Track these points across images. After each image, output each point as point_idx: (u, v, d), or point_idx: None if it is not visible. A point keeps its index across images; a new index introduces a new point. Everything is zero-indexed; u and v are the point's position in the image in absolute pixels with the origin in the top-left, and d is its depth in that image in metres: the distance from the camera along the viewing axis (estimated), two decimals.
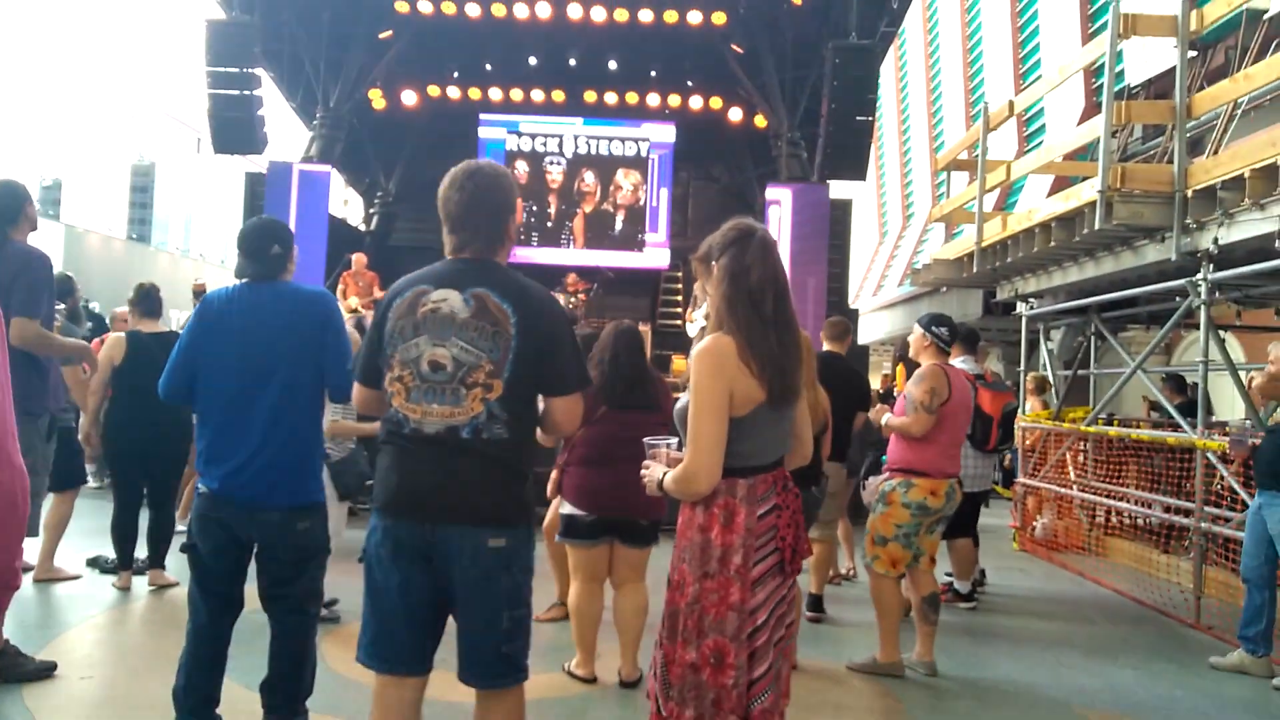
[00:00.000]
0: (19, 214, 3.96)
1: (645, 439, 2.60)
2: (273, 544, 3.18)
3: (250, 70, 11.72)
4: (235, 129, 11.91)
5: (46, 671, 3.86)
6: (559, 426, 2.62)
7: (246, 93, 11.76)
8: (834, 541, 5.87)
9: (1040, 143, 12.41)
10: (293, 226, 11.81)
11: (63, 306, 5.45)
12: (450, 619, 2.53)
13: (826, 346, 5.90)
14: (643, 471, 2.53)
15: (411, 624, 2.47)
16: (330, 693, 3.89)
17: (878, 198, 21.38)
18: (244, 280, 3.29)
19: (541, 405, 2.61)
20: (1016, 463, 9.00)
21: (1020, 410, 8.60)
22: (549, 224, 14.01)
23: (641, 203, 13.97)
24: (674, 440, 2.59)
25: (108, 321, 10.61)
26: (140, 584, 5.52)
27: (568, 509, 4.27)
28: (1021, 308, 9.31)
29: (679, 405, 2.48)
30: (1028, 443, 8.82)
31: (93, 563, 5.78)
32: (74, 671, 3.97)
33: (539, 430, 2.66)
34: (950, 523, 6.00)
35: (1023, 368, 9.43)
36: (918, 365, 4.82)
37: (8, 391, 1.66)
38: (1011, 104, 8.88)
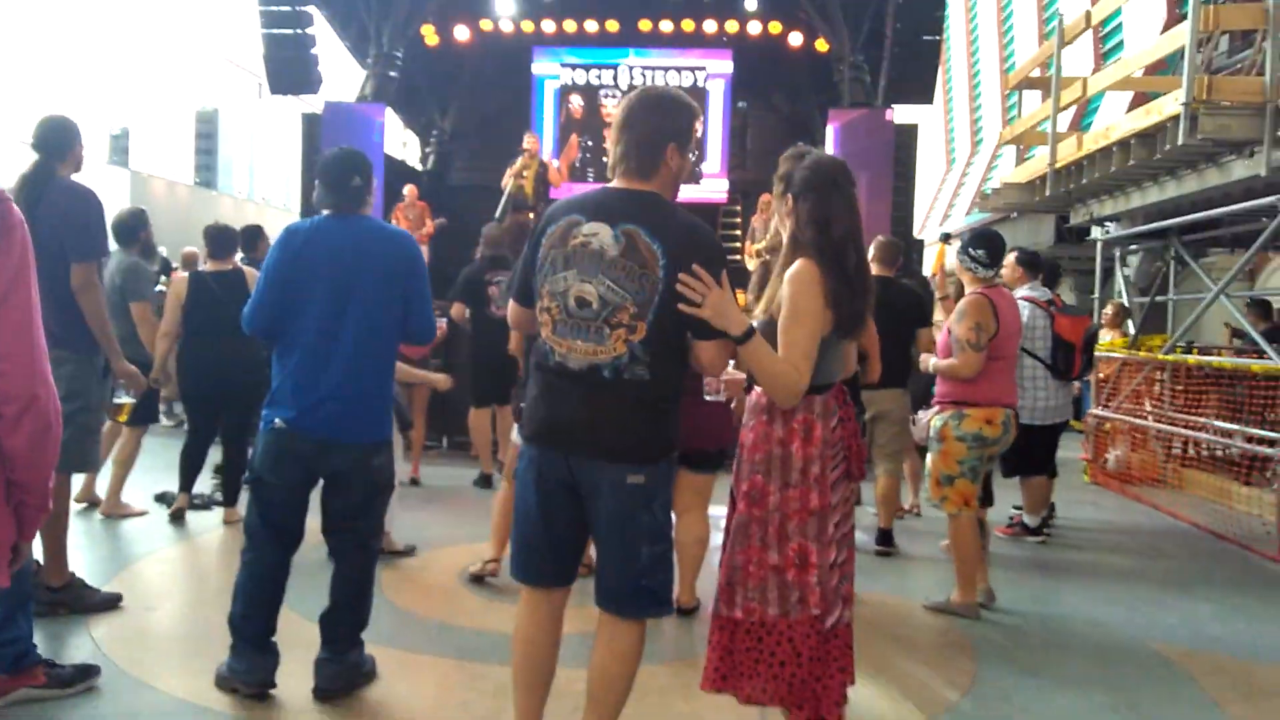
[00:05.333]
0: (68, 151, 3.91)
1: None
2: (346, 479, 3.17)
3: (302, 8, 11.67)
4: (290, 69, 11.95)
5: (112, 603, 3.94)
6: (705, 370, 2.59)
7: (299, 31, 11.76)
8: (900, 475, 5.69)
9: (1118, 58, 11.81)
10: None
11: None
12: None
13: (875, 271, 5.55)
14: (724, 377, 2.70)
15: (552, 545, 2.57)
16: (388, 625, 3.92)
17: (945, 123, 20.72)
18: (325, 212, 3.22)
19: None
20: (1086, 394, 8.69)
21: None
22: (605, 159, 13.80)
23: (698, 134, 13.66)
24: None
25: (173, 263, 10.80)
26: (198, 518, 5.63)
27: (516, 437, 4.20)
28: (1097, 232, 8.93)
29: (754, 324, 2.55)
30: (1101, 374, 8.50)
31: (160, 498, 5.90)
32: (139, 603, 4.04)
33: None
34: (1026, 458, 5.80)
35: (1097, 296, 9.06)
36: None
37: (38, 314, 1.68)
38: (1089, 14, 8.40)
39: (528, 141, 10.84)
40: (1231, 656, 4.05)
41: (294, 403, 3.07)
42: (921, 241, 14.21)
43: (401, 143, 17.51)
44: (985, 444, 4.32)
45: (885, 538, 5.49)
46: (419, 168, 15.09)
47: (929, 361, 4.57)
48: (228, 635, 3.18)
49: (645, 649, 2.60)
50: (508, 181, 9.86)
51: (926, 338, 5.34)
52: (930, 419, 4.48)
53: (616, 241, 2.40)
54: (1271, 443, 6.37)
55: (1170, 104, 6.38)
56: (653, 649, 3.78)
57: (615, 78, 13.73)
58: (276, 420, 3.10)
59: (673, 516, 4.18)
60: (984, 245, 4.41)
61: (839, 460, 2.59)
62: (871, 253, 5.43)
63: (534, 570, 2.60)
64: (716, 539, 3.51)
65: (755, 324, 2.51)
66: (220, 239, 5.68)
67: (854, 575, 2.70)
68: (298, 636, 3.32)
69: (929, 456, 4.51)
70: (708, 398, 2.67)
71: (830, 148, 11.67)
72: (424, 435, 7.34)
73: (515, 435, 4.46)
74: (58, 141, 3.86)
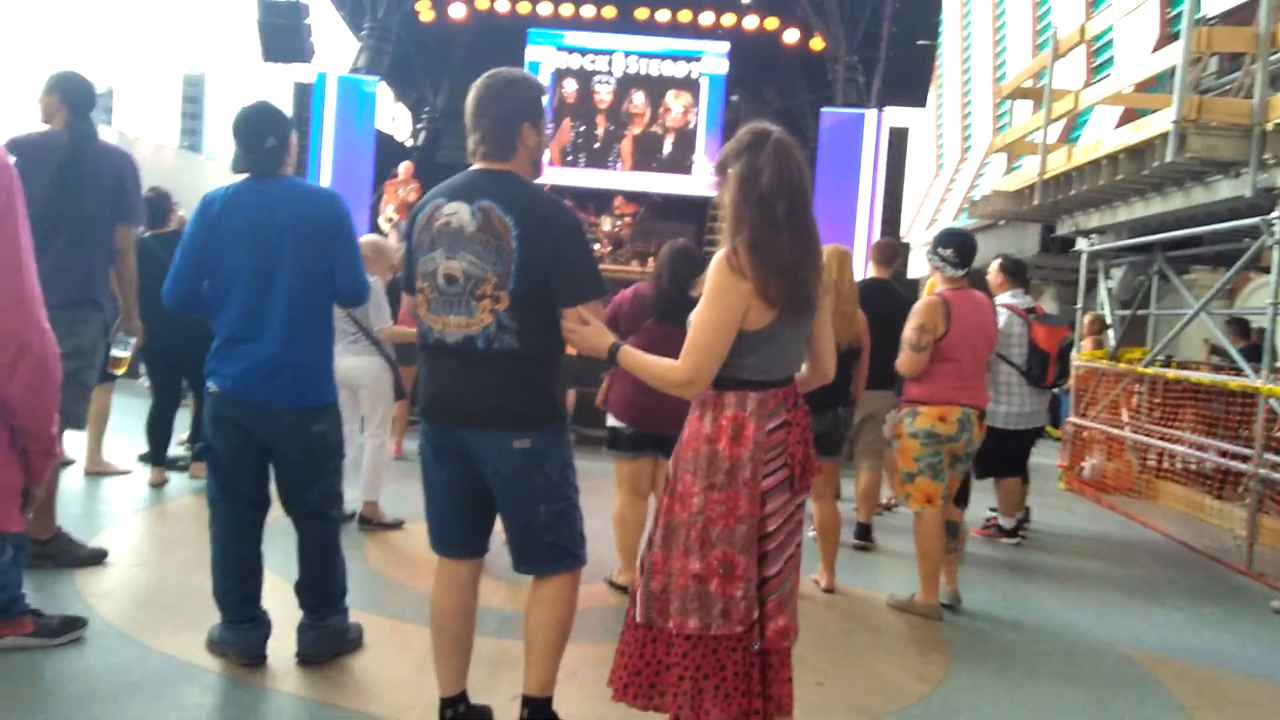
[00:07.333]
0: (93, 107, 3.89)
1: None
2: (286, 447, 3.11)
3: None
4: (283, 37, 11.84)
5: (98, 558, 3.93)
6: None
7: (294, 0, 11.63)
8: (880, 471, 5.77)
9: (1109, 73, 11.93)
10: (339, 138, 11.88)
11: None
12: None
13: (871, 272, 5.72)
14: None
15: (459, 514, 2.66)
16: (372, 592, 3.94)
17: (935, 128, 20.83)
18: (243, 176, 3.12)
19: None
20: (1065, 402, 8.81)
21: (1075, 349, 8.40)
22: (596, 145, 13.79)
23: (691, 125, 13.66)
24: None
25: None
26: (181, 479, 5.60)
27: (611, 421, 4.31)
28: (1082, 244, 9.02)
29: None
30: (1080, 384, 8.62)
31: (144, 458, 5.87)
32: (124, 560, 4.04)
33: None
34: (1001, 460, 5.89)
35: (1080, 306, 9.17)
36: None
37: (30, 258, 1.64)
38: (1084, 29, 8.48)
39: None
40: (1199, 664, 4.12)
41: (229, 368, 3.04)
42: (908, 245, 14.31)
43: (390, 117, 17.37)
44: (939, 440, 4.30)
45: (864, 532, 5.57)
46: (409, 143, 15.00)
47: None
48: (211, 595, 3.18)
49: (589, 629, 2.61)
50: None
51: None
52: (891, 417, 4.54)
53: (474, 217, 2.49)
54: (1245, 459, 6.49)
55: (1160, 121, 6.45)
56: (590, 627, 3.81)
57: (610, 64, 13.71)
58: (212, 385, 3.08)
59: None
60: (952, 244, 4.35)
61: (777, 467, 2.34)
62: (870, 254, 5.55)
63: (445, 542, 2.69)
64: None
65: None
66: (153, 208, 5.58)
67: (793, 598, 2.43)
68: (289, 599, 3.31)
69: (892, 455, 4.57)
70: None
71: (821, 146, 11.73)
72: (407, 411, 7.36)
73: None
74: (86, 96, 3.80)
